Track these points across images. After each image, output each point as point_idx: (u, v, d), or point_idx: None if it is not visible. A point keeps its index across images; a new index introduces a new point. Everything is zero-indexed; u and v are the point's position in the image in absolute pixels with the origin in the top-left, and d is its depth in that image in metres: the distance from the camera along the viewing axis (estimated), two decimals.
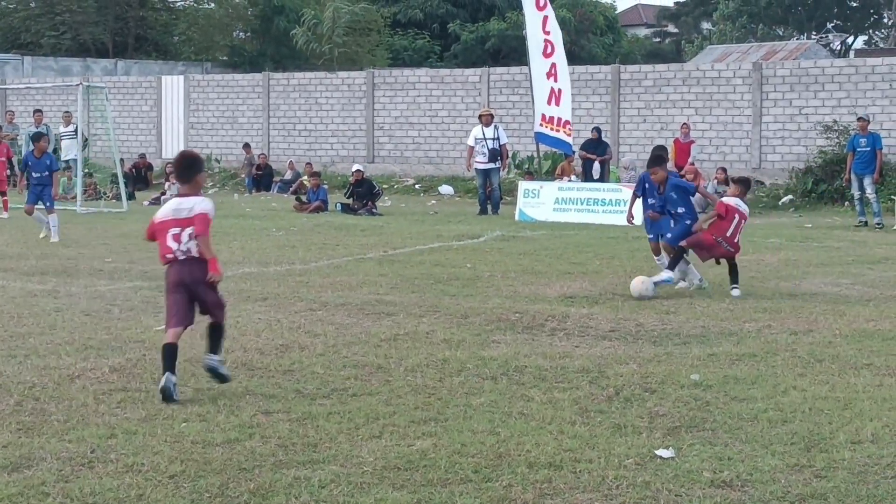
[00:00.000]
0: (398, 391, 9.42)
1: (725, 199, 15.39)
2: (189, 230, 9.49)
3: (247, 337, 11.76)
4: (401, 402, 9.06)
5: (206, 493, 6.87)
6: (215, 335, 9.67)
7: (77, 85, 33.37)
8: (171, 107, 43.51)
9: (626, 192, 27.15)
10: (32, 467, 7.38)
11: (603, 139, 32.63)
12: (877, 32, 75.35)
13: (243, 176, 39.38)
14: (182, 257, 9.53)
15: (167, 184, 33.44)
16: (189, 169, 9.71)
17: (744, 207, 15.34)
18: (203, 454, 7.66)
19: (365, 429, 8.26)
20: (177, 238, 9.52)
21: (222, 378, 9.51)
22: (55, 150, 35.84)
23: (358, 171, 30.78)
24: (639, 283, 14.64)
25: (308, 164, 37.23)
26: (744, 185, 16.02)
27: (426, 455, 7.59)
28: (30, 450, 7.73)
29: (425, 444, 7.83)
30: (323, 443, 7.93)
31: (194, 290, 9.57)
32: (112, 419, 8.53)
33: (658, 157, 16.48)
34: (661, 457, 7.57)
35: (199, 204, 9.50)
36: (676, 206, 15.54)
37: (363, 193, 29.86)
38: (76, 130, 32.86)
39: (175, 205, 9.63)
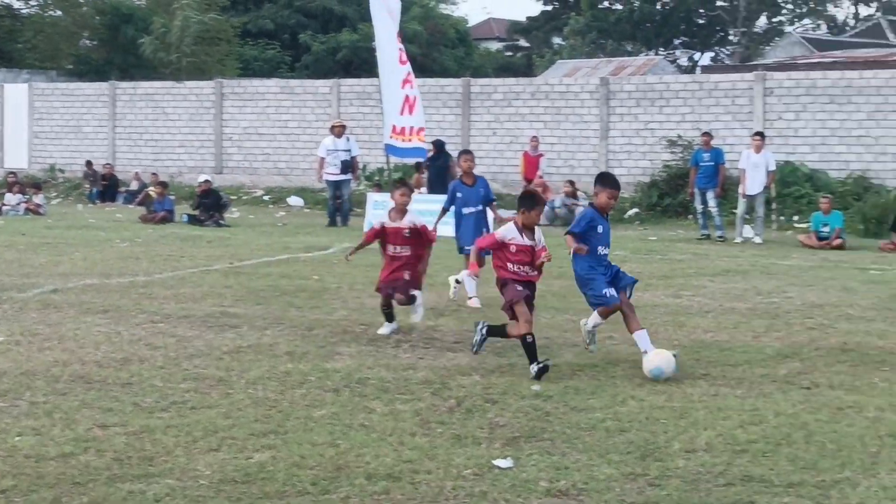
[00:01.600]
0: (238, 404, 9.33)
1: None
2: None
3: (85, 350, 11.55)
4: (241, 414, 8.98)
5: None
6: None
7: None
8: (14, 115, 42.64)
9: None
10: None
11: (445, 150, 32.42)
12: (723, 49, 76.86)
13: (87, 185, 38.73)
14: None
15: (8, 194, 32.74)
16: None
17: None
18: (36, 468, 7.50)
19: (203, 442, 8.17)
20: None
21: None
22: None
23: (205, 181, 30.49)
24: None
25: (154, 173, 36.79)
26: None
27: (264, 468, 7.53)
28: None
29: (264, 457, 7.77)
30: (159, 456, 7.82)
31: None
32: None
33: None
34: (499, 467, 7.61)
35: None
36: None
37: (210, 204, 29.56)
38: None
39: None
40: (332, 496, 7.03)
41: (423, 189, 30.93)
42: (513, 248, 10.83)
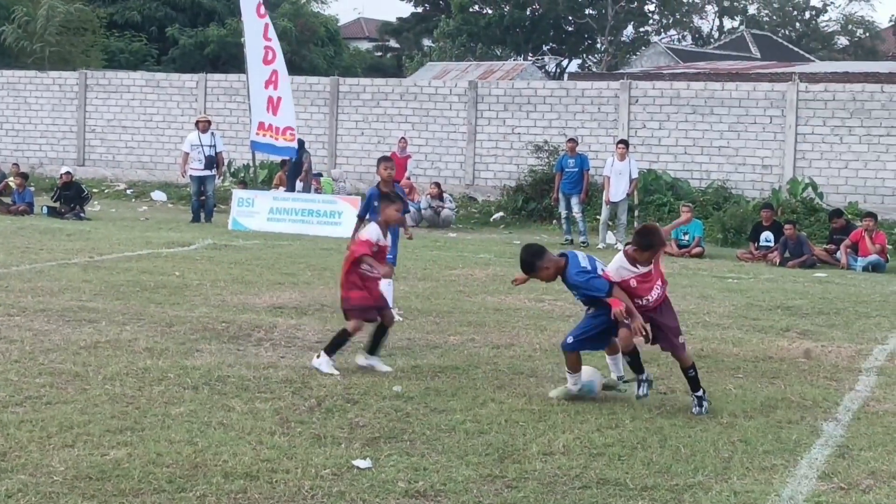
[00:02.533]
0: (95, 400, 9.19)
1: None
2: None
3: None
4: (97, 410, 8.85)
5: None
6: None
7: None
8: None
9: (341, 203, 27.33)
10: None
11: (303, 147, 32.01)
12: (591, 57, 77.78)
13: None
14: None
15: None
16: None
17: None
18: None
19: (58, 437, 8.03)
20: None
21: None
22: None
23: (67, 173, 29.98)
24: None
25: (15, 164, 36.05)
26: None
27: (120, 465, 7.44)
28: None
29: (120, 454, 7.67)
30: (13, 451, 7.67)
31: None
32: None
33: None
34: (358, 467, 7.61)
35: None
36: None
37: (71, 197, 29.08)
38: None
39: None
40: (188, 494, 6.96)
41: (283, 188, 30.78)
42: (633, 283, 9.77)
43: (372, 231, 11.20)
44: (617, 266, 9.81)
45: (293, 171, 30.44)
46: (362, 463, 7.67)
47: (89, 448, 7.81)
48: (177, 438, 8.12)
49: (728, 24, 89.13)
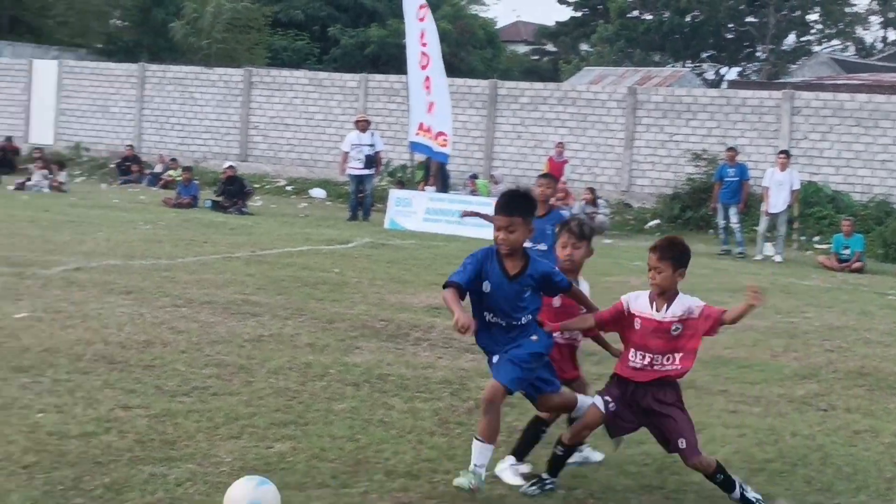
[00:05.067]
0: (259, 393, 9.39)
1: None
2: None
3: (108, 330, 11.62)
4: (262, 403, 9.04)
5: (59, 486, 6.79)
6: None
7: None
8: (42, 91, 42.78)
9: None
10: None
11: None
12: (750, 65, 76.72)
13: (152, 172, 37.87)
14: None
15: (35, 170, 32.87)
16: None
17: None
18: (58, 446, 7.57)
19: (224, 428, 8.23)
20: None
21: None
22: None
23: (230, 167, 30.61)
24: None
25: (173, 159, 36.88)
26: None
27: (284, 458, 7.60)
28: None
29: (284, 447, 7.83)
30: (181, 440, 7.88)
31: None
32: None
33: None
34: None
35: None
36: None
37: (234, 191, 29.68)
38: None
39: None
40: (351, 490, 7.09)
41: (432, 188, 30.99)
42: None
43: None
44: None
45: (428, 172, 30.88)
46: (524, 468, 7.71)
47: (255, 440, 7.99)
48: (339, 434, 8.26)
49: (893, 35, 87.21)
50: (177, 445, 7.77)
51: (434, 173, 31.11)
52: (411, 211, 28.01)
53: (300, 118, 39.25)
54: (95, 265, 16.40)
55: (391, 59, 58.08)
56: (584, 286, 8.08)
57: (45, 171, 32.54)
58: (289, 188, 37.59)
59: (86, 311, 12.58)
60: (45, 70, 43.09)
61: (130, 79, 41.82)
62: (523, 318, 7.33)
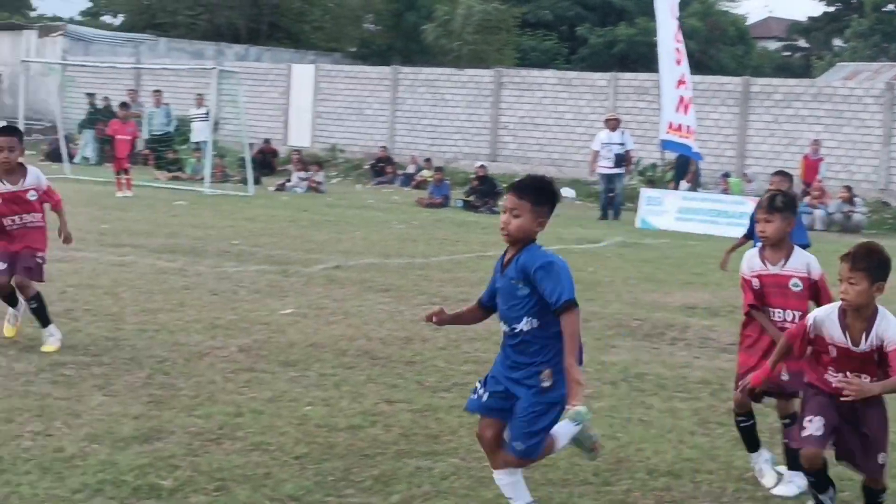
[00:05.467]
0: None
1: None
2: None
3: (370, 326, 11.92)
4: None
5: (330, 477, 7.02)
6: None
7: (211, 68, 33.94)
8: (299, 95, 43.99)
9: (750, 204, 26.97)
10: (162, 440, 7.59)
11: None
12: None
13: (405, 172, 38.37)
14: None
15: (293, 171, 33.82)
16: None
17: None
18: (327, 438, 7.82)
19: None
20: None
21: None
22: (184, 131, 36.57)
23: (481, 167, 30.94)
24: None
25: (427, 159, 37.44)
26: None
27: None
28: (160, 423, 7.95)
29: None
30: (444, 435, 8.04)
31: None
32: (239, 398, 8.73)
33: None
34: (778, 472, 7.54)
35: None
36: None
37: (485, 191, 30.00)
38: (207, 113, 33.41)
39: None
40: (613, 488, 7.12)
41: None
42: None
43: (746, 261, 7.64)
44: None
45: (680, 170, 30.56)
46: (783, 469, 7.61)
47: None
48: (599, 432, 8.28)
49: None
50: (440, 440, 7.93)
51: (692, 171, 30.82)
52: (663, 210, 27.83)
53: (549, 118, 39.36)
54: (354, 263, 16.82)
55: (640, 58, 57.74)
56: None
57: (303, 173, 33.47)
58: None
59: (347, 308, 12.92)
60: (303, 74, 44.29)
61: (384, 81, 42.63)
62: (522, 324, 6.19)
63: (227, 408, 8.39)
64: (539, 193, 6.31)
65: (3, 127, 10.58)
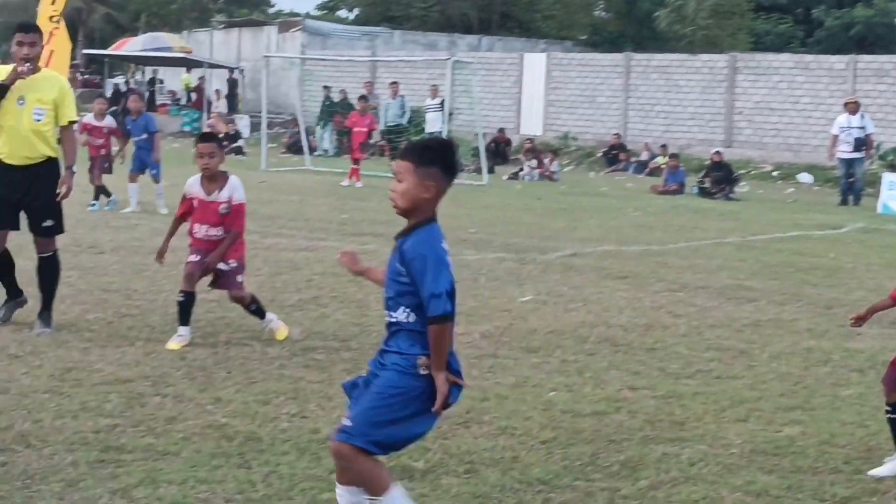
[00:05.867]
0: (762, 377, 9.41)
1: None
2: None
3: (609, 313, 11.95)
4: (765, 387, 9.06)
5: (577, 461, 7.08)
6: None
7: (446, 59, 34.35)
8: (531, 84, 44.16)
9: None
10: None
11: None
12: None
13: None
14: None
15: (526, 160, 34.00)
16: None
17: None
18: (572, 423, 7.89)
19: (730, 411, 8.31)
20: None
21: None
22: (419, 122, 37.06)
23: (716, 153, 30.58)
24: None
25: (663, 146, 37.16)
26: None
27: (794, 442, 7.58)
28: None
29: (793, 432, 7.82)
30: (689, 422, 8.03)
31: None
32: (484, 383, 8.87)
33: None
34: None
35: None
36: None
37: (721, 177, 29.65)
38: (442, 103, 33.81)
39: None
40: (864, 476, 6.99)
41: None
42: None
43: None
44: None
45: None
46: None
47: (762, 423, 8.02)
48: (848, 420, 8.17)
49: None
50: (686, 426, 7.92)
51: None
52: None
53: (785, 102, 38.62)
54: (590, 251, 16.86)
55: (878, 40, 56.18)
56: None
57: (536, 161, 33.62)
58: (775, 173, 37.10)
59: (585, 296, 12.97)
60: (535, 63, 44.44)
61: (616, 68, 42.48)
62: (399, 314, 5.36)
63: (473, 392, 8.52)
64: (423, 154, 5.40)
65: (203, 134, 10.76)
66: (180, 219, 10.18)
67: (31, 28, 10.27)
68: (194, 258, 9.96)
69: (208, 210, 9.92)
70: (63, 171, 10.33)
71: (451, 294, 5.26)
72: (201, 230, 9.98)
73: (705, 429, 7.86)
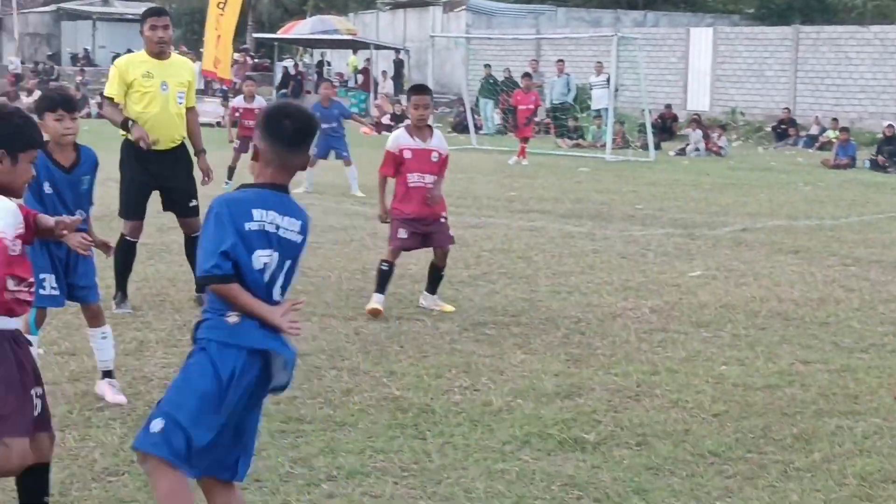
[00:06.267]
0: None
1: None
2: None
3: (780, 287, 11.86)
4: None
5: (749, 434, 7.08)
6: None
7: (611, 36, 34.19)
8: (698, 59, 43.65)
9: None
10: (583, 395, 7.85)
11: None
12: None
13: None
14: None
15: (692, 135, 33.69)
16: None
17: None
18: (744, 397, 7.88)
19: None
20: None
21: None
22: (584, 100, 36.95)
23: (889, 126, 29.92)
24: None
25: (834, 119, 36.47)
26: None
27: None
28: (579, 380, 8.22)
29: None
30: (863, 395, 7.97)
31: None
32: (654, 357, 8.90)
33: None
34: None
35: None
36: None
37: (893, 151, 28.99)
38: (607, 80, 33.66)
39: None
40: None
41: None
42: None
43: None
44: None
45: None
46: None
47: None
48: None
49: None
50: (860, 400, 7.86)
51: None
52: None
53: None
54: (760, 226, 16.69)
55: None
56: None
57: (702, 136, 33.28)
58: None
59: (756, 270, 12.88)
60: (701, 37, 43.90)
61: (784, 42, 41.73)
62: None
63: (643, 366, 8.57)
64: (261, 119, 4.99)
65: (417, 85, 11.24)
66: (389, 176, 10.48)
67: (164, 12, 10.65)
68: (404, 235, 10.28)
69: (423, 158, 10.32)
70: (192, 154, 10.68)
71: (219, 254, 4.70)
72: (417, 178, 10.31)
73: (880, 402, 7.79)
